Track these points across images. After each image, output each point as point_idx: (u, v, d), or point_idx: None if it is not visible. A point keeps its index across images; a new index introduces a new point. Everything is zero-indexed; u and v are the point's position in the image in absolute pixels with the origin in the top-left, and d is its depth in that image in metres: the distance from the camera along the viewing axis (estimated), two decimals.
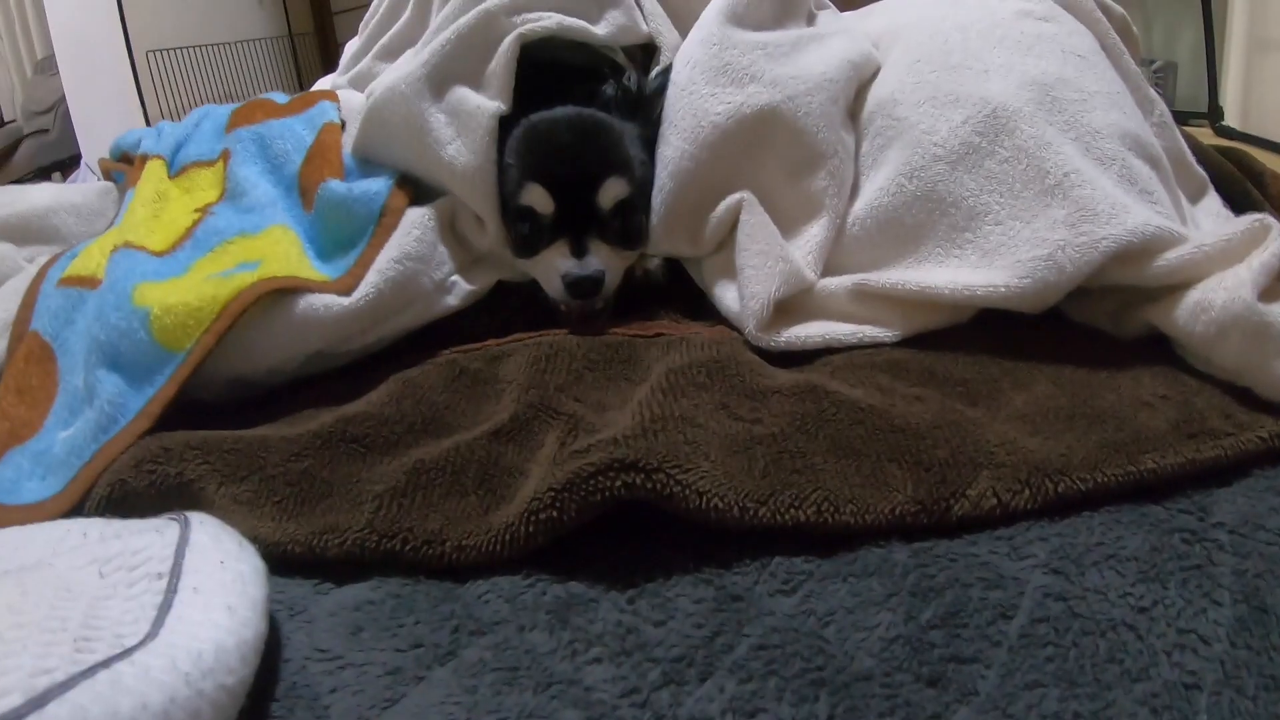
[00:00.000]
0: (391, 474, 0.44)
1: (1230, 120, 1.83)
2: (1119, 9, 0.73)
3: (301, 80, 2.59)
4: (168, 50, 2.24)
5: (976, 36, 0.64)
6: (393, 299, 0.57)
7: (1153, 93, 0.70)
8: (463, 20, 0.63)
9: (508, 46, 0.62)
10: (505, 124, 0.62)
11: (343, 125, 0.69)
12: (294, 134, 0.68)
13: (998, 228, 0.56)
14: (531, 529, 0.39)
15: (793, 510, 0.40)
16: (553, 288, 0.60)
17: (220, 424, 0.51)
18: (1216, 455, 0.43)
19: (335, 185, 0.62)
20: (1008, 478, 0.41)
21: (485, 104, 0.61)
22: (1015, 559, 0.38)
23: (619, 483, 0.39)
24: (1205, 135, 1.68)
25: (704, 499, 0.39)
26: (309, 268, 0.59)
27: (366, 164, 0.66)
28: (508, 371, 0.52)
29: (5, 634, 0.31)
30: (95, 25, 2.12)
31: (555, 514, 0.39)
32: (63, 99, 2.21)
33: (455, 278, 0.61)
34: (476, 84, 0.63)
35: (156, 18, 2.23)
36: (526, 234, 0.60)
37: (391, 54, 0.80)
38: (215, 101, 1.53)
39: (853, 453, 0.43)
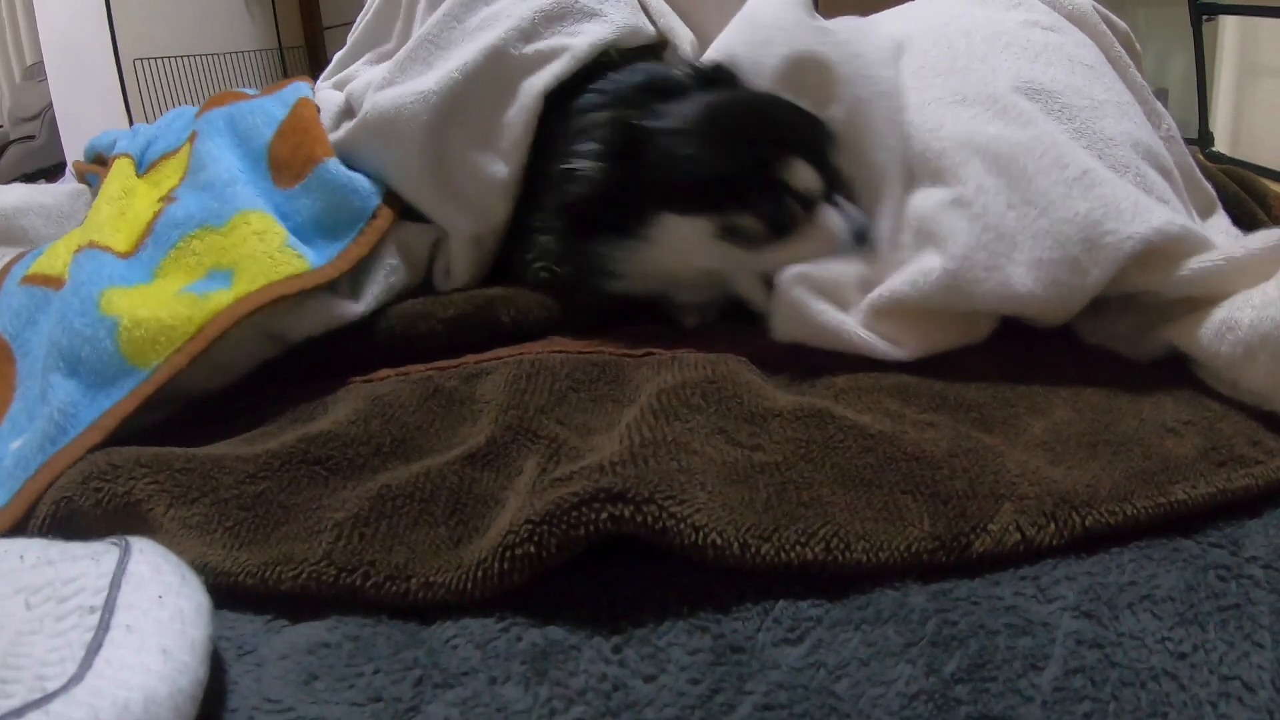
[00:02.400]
0: (354, 500, 0.40)
1: (1220, 146, 1.85)
2: (1123, 24, 0.72)
3: None
4: (156, 59, 2.22)
5: (982, 41, 0.63)
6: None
7: (1160, 107, 0.68)
8: (469, 62, 0.61)
9: (532, 102, 0.61)
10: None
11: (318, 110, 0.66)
12: (264, 110, 0.66)
13: (1011, 212, 0.52)
14: (507, 565, 0.35)
15: (800, 547, 0.36)
16: (831, 248, 0.56)
17: (174, 439, 0.47)
18: (1247, 485, 0.41)
19: (336, 167, 0.61)
20: (1032, 511, 0.38)
21: (496, 172, 0.61)
22: (1043, 601, 0.35)
23: (605, 515, 0.35)
24: None
25: (700, 534, 0.35)
26: (290, 255, 0.56)
27: (345, 161, 0.63)
28: (485, 391, 0.49)
29: None
30: (84, 32, 2.11)
31: (533, 549, 0.35)
32: (50, 106, 2.19)
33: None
34: (489, 129, 0.61)
35: (146, 26, 2.22)
36: (779, 215, 0.56)
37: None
38: None
39: (863, 483, 0.39)
